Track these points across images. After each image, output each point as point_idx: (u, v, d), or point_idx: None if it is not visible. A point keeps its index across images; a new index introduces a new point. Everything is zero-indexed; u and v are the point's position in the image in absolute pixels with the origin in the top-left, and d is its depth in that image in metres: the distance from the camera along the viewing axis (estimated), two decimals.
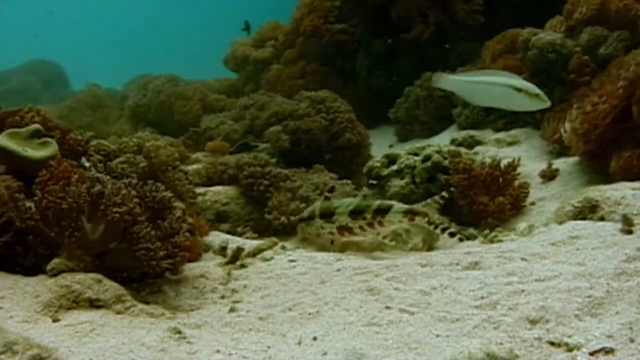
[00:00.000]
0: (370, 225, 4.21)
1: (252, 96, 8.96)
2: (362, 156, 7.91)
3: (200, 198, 5.55)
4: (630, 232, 3.44)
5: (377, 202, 4.27)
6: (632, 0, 7.14)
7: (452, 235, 4.02)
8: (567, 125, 5.52)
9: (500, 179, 5.25)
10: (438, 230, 4.08)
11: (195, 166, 6.48)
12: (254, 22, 15.92)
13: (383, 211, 4.17)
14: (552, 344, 2.32)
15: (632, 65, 5.23)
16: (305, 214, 4.68)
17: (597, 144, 5.13)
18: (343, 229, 4.32)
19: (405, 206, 4.21)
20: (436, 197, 4.14)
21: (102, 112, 15.66)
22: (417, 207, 4.18)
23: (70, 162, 3.69)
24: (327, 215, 4.39)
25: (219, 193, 5.76)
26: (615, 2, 7.11)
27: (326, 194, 4.62)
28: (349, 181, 6.24)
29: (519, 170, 5.39)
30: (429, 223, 4.08)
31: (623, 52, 6.68)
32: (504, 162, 5.36)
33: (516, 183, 5.28)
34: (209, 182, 6.06)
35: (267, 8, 17.27)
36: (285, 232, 5.26)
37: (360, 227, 4.24)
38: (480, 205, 5.10)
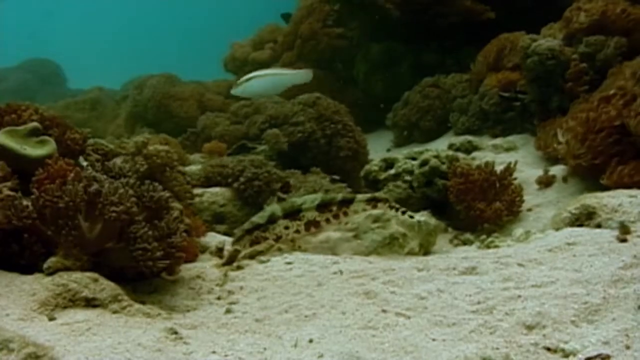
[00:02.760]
0: (336, 216, 4.31)
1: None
2: (359, 160, 7.92)
3: (197, 199, 5.55)
4: (625, 241, 3.44)
5: (341, 194, 4.40)
6: (632, 8, 7.18)
7: (411, 217, 4.16)
8: (562, 138, 5.52)
9: (497, 184, 5.26)
10: (399, 214, 4.20)
11: (193, 167, 6.48)
12: (253, 24, 15.90)
13: (348, 202, 4.29)
14: (549, 349, 2.33)
15: (629, 79, 5.23)
16: (258, 220, 4.42)
17: (591, 157, 5.13)
18: (310, 224, 4.35)
19: (369, 195, 4.34)
20: (398, 182, 4.23)
21: (97, 111, 15.66)
22: (379, 194, 4.36)
23: (67, 160, 3.68)
24: (293, 214, 4.36)
25: (217, 194, 5.76)
26: (615, 10, 7.15)
27: (279, 194, 4.54)
28: (344, 184, 6.25)
29: (515, 175, 5.40)
30: (390, 208, 4.21)
31: (621, 59, 6.69)
32: (500, 167, 5.37)
33: (512, 188, 5.28)
34: (207, 183, 6.06)
35: (267, 10, 17.21)
36: None
37: (327, 220, 4.33)
38: (477, 210, 5.11)
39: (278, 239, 4.38)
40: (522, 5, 10.04)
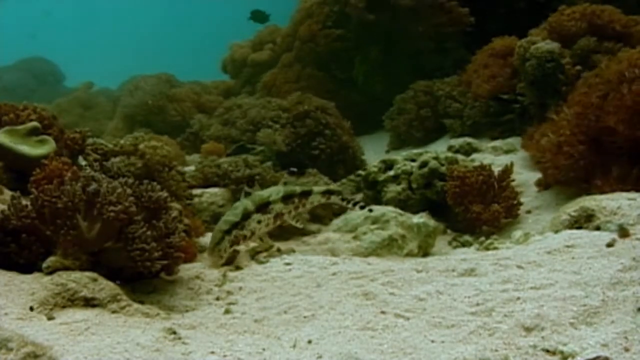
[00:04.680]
0: (297, 208, 4.54)
1: (236, 100, 9.08)
2: (346, 161, 7.95)
3: (197, 199, 5.55)
4: (610, 246, 3.42)
5: (300, 187, 4.63)
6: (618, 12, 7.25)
7: (362, 208, 4.48)
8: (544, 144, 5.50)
9: (495, 186, 5.24)
10: (350, 205, 4.55)
11: (192, 167, 6.48)
12: (252, 26, 15.90)
13: (307, 194, 4.57)
14: (547, 351, 2.32)
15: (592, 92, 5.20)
16: (233, 218, 4.28)
17: (570, 172, 5.14)
18: (277, 217, 4.44)
19: (324, 187, 4.69)
20: (351, 176, 4.46)
21: (92, 111, 15.63)
22: (333, 186, 4.77)
23: (64, 159, 3.68)
24: (263, 206, 4.38)
25: (216, 195, 5.75)
26: (604, 15, 7.19)
27: (246, 189, 4.58)
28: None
29: (514, 177, 5.39)
30: (342, 199, 4.57)
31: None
32: (498, 169, 5.36)
33: (509, 190, 5.27)
34: (204, 184, 6.05)
35: (267, 11, 17.17)
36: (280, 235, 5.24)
37: (289, 212, 4.51)
38: (474, 213, 5.10)
39: (252, 235, 4.35)
40: (520, 9, 10.09)
